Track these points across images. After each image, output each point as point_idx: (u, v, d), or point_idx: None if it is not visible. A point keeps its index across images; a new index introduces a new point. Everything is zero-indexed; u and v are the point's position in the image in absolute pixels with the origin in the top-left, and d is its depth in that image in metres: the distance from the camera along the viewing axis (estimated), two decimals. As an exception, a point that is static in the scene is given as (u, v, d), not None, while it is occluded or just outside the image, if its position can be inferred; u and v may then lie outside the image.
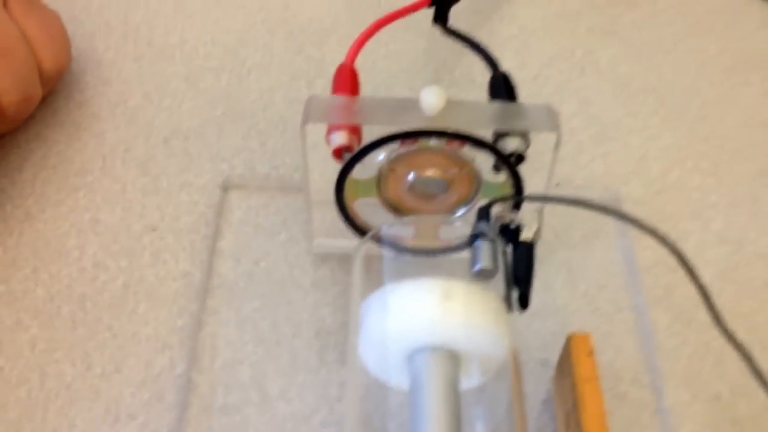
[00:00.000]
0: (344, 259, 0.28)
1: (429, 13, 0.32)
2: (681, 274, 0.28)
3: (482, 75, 0.27)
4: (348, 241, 0.27)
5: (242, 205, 0.29)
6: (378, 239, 0.24)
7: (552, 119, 0.22)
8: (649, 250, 0.28)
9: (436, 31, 0.34)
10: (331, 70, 0.26)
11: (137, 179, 0.30)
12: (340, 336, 0.26)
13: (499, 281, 0.22)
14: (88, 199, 0.30)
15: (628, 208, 0.29)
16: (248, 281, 0.27)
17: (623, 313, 0.27)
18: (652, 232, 0.22)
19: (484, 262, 0.21)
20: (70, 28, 0.33)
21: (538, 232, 0.22)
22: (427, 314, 0.19)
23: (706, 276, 0.27)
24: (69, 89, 0.34)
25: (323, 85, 0.34)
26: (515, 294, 0.21)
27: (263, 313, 0.27)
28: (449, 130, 0.21)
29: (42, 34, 0.30)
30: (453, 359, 0.20)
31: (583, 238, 0.29)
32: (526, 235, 0.21)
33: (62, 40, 0.31)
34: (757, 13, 0.36)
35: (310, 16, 0.37)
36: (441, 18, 0.30)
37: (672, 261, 0.28)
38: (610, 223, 0.29)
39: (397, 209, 0.24)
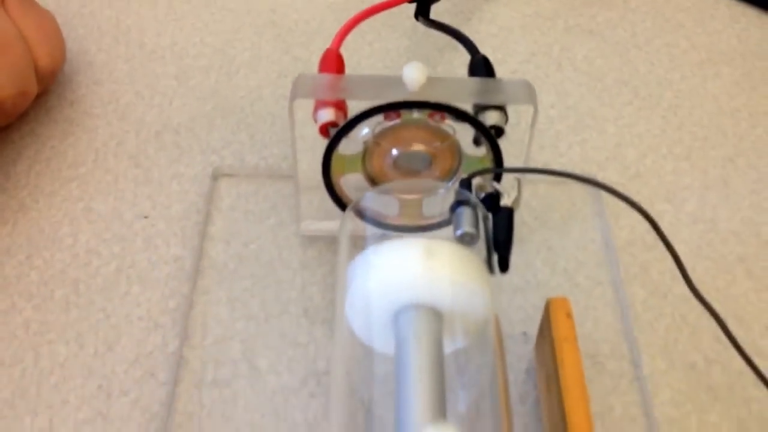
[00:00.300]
0: (331, 241, 0.29)
1: (411, 12, 0.33)
2: (656, 252, 0.29)
3: (464, 69, 0.28)
4: (335, 223, 0.27)
5: (232, 193, 0.30)
6: (362, 214, 0.24)
7: (529, 93, 0.23)
8: (625, 230, 0.29)
9: (418, 30, 0.35)
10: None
11: (129, 170, 0.31)
12: (327, 313, 0.27)
13: (481, 249, 0.23)
14: (81, 190, 0.31)
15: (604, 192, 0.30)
16: (238, 263, 0.28)
17: (601, 288, 0.28)
18: (626, 200, 0.23)
19: (466, 226, 0.21)
20: (63, 32, 0.34)
21: (517, 200, 0.23)
22: (411, 270, 0.20)
23: (681, 253, 0.28)
24: (62, 89, 0.34)
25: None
26: (496, 258, 0.22)
27: (253, 292, 0.27)
28: (431, 101, 0.22)
29: (38, 33, 0.31)
30: (437, 317, 0.21)
31: (561, 219, 0.30)
32: (505, 202, 0.22)
33: (57, 39, 0.32)
34: (725, 11, 0.38)
35: (296, 19, 0.38)
36: (423, 13, 0.31)
37: (648, 240, 0.29)
38: (587, 204, 0.30)
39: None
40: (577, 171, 0.31)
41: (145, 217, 0.30)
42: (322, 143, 0.25)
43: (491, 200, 0.23)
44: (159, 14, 0.38)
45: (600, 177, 0.31)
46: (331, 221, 0.28)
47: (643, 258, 0.29)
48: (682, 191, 0.31)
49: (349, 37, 0.28)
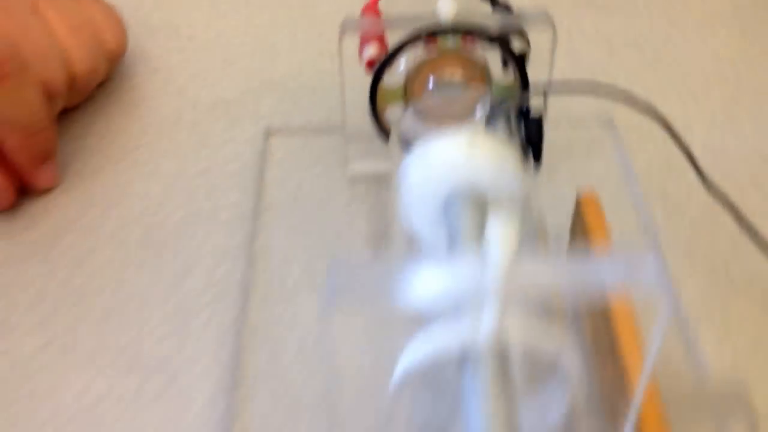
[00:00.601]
0: (375, 181, 0.32)
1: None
2: (673, 175, 0.32)
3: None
4: (377, 163, 0.31)
5: (282, 148, 0.34)
6: (405, 141, 0.28)
7: (547, 19, 0.27)
8: (642, 160, 0.32)
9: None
10: (350, 47, 0.31)
11: (189, 138, 0.35)
12: (376, 237, 0.30)
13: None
14: (147, 155, 0.34)
15: (620, 131, 0.33)
16: (293, 202, 0.31)
17: (624, 208, 0.30)
18: (640, 105, 0.26)
19: (502, 127, 0.24)
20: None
21: (544, 110, 0.26)
22: (457, 156, 0.23)
23: (693, 178, 0.31)
24: (122, 76, 0.38)
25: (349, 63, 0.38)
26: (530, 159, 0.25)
27: (308, 225, 0.30)
28: (464, 26, 0.25)
29: (106, 20, 0.35)
30: (482, 201, 0.23)
31: (584, 154, 0.33)
32: (534, 115, 0.25)
33: (121, 28, 0.36)
34: (717, -20, 0.42)
35: (327, 10, 0.42)
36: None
37: (663, 166, 0.32)
38: (606, 140, 0.33)
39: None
40: (594, 114, 0.34)
41: (206, 174, 0.33)
42: (366, 92, 0.28)
43: (523, 114, 0.26)
44: (204, 14, 0.42)
45: (615, 119, 0.34)
46: (374, 161, 0.31)
47: (660, 180, 0.31)
48: (691, 128, 0.33)
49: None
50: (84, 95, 0.35)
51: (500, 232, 0.17)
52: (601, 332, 0.22)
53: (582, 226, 0.25)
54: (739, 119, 0.34)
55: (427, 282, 0.17)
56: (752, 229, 0.27)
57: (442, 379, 0.20)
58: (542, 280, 0.17)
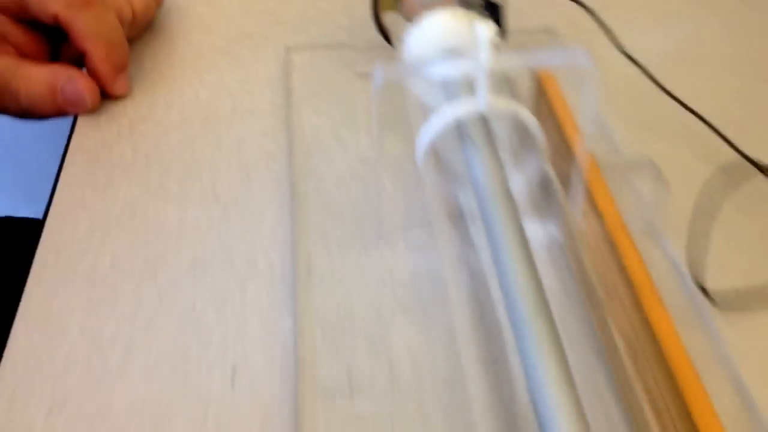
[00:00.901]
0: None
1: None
2: (602, 66, 0.42)
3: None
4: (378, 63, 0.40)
5: (302, 59, 0.43)
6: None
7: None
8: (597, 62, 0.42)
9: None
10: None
11: (223, 59, 0.44)
12: (391, 118, 0.39)
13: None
14: (191, 74, 0.43)
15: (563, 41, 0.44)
16: (316, 93, 0.40)
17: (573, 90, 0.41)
18: (583, 6, 0.36)
19: (474, 9, 0.34)
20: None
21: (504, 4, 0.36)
22: (444, 23, 0.33)
23: (616, 64, 0.41)
24: (161, 23, 0.47)
25: (346, 3, 0.48)
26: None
27: (332, 107, 0.40)
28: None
29: (150, -30, 0.44)
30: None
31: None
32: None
33: (160, -21, 0.45)
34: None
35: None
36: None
37: (608, 68, 0.42)
38: (549, 43, 0.43)
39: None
40: (538, 29, 0.45)
41: (243, 84, 0.42)
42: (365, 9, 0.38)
43: (488, 5, 0.36)
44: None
45: (560, 33, 0.44)
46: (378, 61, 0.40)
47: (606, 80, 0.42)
48: (626, 36, 0.44)
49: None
50: (140, 30, 0.44)
51: (485, 33, 0.26)
52: (543, 109, 0.32)
53: (543, 93, 0.35)
54: (667, 26, 0.45)
55: (440, 66, 0.27)
56: (660, 84, 0.37)
57: (450, 157, 0.29)
58: (514, 63, 0.27)
